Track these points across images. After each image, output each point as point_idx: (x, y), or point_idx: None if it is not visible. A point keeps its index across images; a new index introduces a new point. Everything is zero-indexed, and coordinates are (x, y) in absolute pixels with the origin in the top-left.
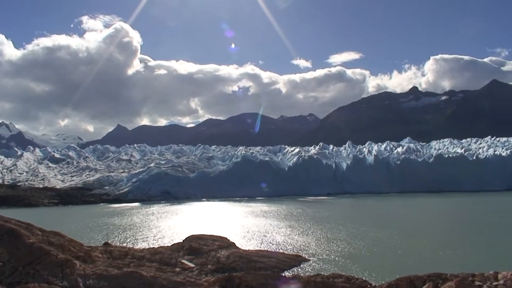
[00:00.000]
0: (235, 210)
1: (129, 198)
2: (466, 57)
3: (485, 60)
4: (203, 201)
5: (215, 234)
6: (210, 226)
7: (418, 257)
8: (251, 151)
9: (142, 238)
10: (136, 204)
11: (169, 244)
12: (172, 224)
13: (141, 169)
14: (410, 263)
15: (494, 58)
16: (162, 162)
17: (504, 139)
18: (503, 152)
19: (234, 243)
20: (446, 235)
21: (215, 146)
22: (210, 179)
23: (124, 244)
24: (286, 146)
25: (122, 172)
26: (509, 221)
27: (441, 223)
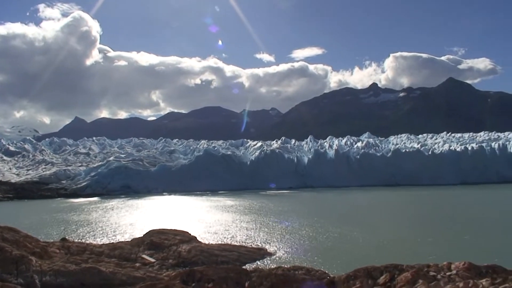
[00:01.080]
0: (197, 204)
1: (87, 192)
2: (424, 55)
3: (443, 58)
4: (165, 195)
5: (176, 229)
6: (171, 221)
7: (376, 249)
8: (213, 145)
9: (101, 234)
10: (95, 198)
11: (129, 239)
12: (132, 219)
13: (100, 163)
14: (368, 255)
15: (451, 57)
16: (122, 155)
17: (459, 135)
18: (458, 147)
19: (195, 237)
20: (403, 228)
21: (177, 139)
22: (172, 173)
23: (83, 240)
24: (249, 140)
25: (80, 166)
26: (463, 213)
27: (398, 216)
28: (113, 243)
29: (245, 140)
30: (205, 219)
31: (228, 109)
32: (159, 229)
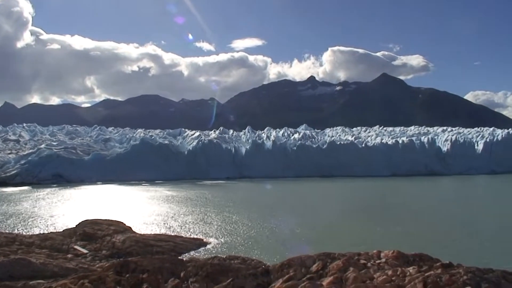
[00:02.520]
0: (133, 194)
1: (17, 181)
2: (361, 50)
3: (378, 54)
4: (99, 184)
5: (110, 219)
6: (105, 211)
7: (310, 238)
8: (150, 134)
9: (31, 224)
10: (25, 188)
11: (61, 230)
12: (64, 209)
13: (30, 151)
14: (301, 244)
15: (386, 53)
16: (54, 143)
17: (391, 128)
18: (389, 140)
19: (130, 228)
20: (337, 218)
21: (113, 127)
22: (107, 162)
23: (12, 231)
24: (186, 130)
25: (9, 153)
26: (394, 204)
27: (333, 206)
28: (44, 233)
29: (183, 129)
30: (140, 209)
31: (166, 98)
32: (92, 219)
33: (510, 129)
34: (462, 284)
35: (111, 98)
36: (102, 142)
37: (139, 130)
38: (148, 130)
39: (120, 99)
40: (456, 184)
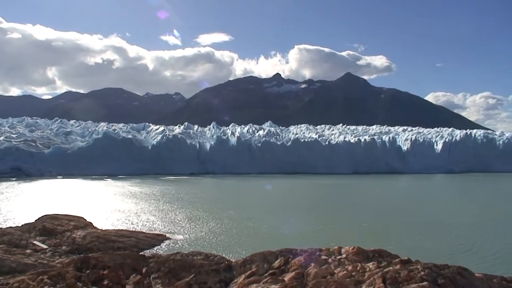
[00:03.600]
0: (94, 188)
1: None
2: (326, 49)
3: (343, 53)
4: (59, 178)
5: (71, 214)
6: (65, 206)
7: (273, 235)
8: (113, 128)
9: None
10: None
11: (20, 225)
12: (23, 204)
13: None
14: (265, 240)
15: (351, 53)
16: (13, 135)
17: (353, 127)
18: (352, 139)
19: (91, 223)
20: (300, 214)
21: (74, 120)
22: (68, 155)
23: None
24: (151, 124)
25: None
26: (354, 201)
27: (296, 202)
28: (1, 228)
29: (147, 124)
30: (102, 204)
31: (131, 91)
32: (52, 214)
33: (468, 130)
34: (420, 280)
35: (73, 90)
36: (63, 135)
37: (102, 123)
38: (111, 124)
39: (82, 92)
40: (415, 182)
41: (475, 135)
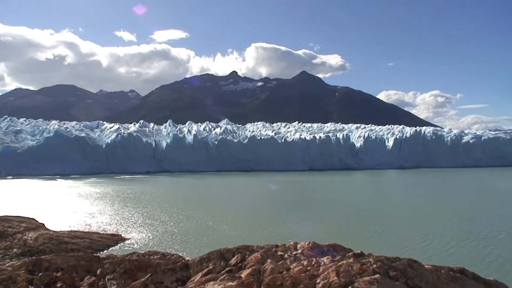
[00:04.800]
0: (46, 189)
1: None
2: (283, 48)
3: (299, 52)
4: (8, 179)
5: (22, 215)
6: (16, 207)
7: (229, 232)
8: (65, 126)
9: None
10: None
11: None
12: None
13: None
14: (221, 238)
15: (307, 51)
16: None
17: (309, 124)
18: (307, 136)
19: (43, 224)
20: (255, 211)
21: (24, 118)
22: (17, 155)
23: None
24: (105, 122)
25: None
26: (309, 197)
27: (253, 200)
28: None
29: (101, 122)
30: (54, 205)
31: (83, 89)
32: (2, 216)
33: (418, 127)
34: (372, 272)
35: (23, 87)
36: (12, 134)
37: (53, 121)
38: (63, 122)
39: (32, 89)
40: (368, 178)
41: (424, 132)
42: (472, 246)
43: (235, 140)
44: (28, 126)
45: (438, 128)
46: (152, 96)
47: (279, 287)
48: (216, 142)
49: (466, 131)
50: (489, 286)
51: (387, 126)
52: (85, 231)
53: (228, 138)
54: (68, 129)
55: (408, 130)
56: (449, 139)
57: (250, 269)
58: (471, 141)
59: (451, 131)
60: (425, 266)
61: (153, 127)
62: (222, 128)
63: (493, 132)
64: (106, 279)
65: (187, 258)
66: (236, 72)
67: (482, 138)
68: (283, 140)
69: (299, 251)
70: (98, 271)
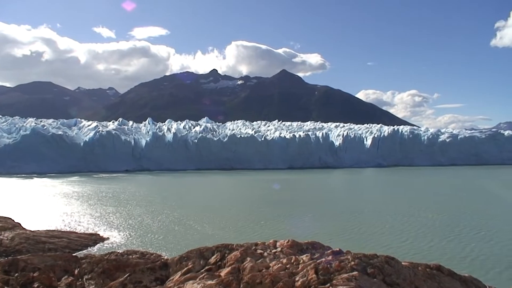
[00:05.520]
0: (23, 188)
1: None
2: (263, 46)
3: (280, 51)
4: None
5: None
6: None
7: (209, 231)
8: (42, 124)
9: None
10: None
11: None
12: None
13: None
14: (201, 237)
15: (287, 50)
16: None
17: (289, 123)
18: (287, 135)
19: (19, 224)
20: (234, 210)
21: (0, 116)
22: None
23: None
24: (82, 120)
25: None
26: (291, 195)
27: (233, 198)
28: None
29: (79, 119)
30: (31, 204)
31: (61, 86)
32: None
33: (395, 126)
34: (350, 269)
35: None
36: None
37: (30, 119)
38: (40, 120)
39: (9, 85)
40: (347, 176)
41: (401, 131)
42: (450, 243)
43: (215, 139)
44: (4, 123)
45: (415, 127)
46: (131, 93)
47: (258, 285)
48: (196, 141)
49: (442, 130)
50: (465, 282)
51: (365, 125)
52: (62, 230)
53: (208, 136)
54: (45, 127)
55: (386, 129)
56: (425, 138)
57: (230, 267)
58: (447, 140)
59: (428, 130)
60: (403, 263)
61: (132, 125)
62: (202, 127)
63: (469, 131)
64: (84, 279)
65: (167, 257)
66: (217, 70)
67: (458, 137)
68: (263, 139)
69: (279, 249)
70: (76, 271)
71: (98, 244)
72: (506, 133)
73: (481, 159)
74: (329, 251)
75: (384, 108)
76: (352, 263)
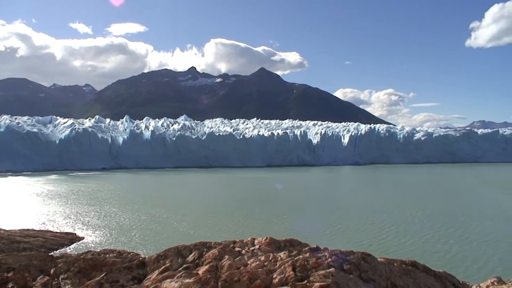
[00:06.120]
0: None
1: None
2: (242, 44)
3: (259, 49)
4: None
5: None
6: None
7: (187, 229)
8: (17, 121)
9: None
10: None
11: None
12: None
13: None
14: (179, 235)
15: (266, 48)
16: None
17: (267, 121)
18: (265, 133)
19: None
20: (213, 208)
21: None
22: None
23: None
24: (58, 117)
25: None
26: (270, 193)
27: (209, 196)
28: None
29: (54, 117)
30: (6, 203)
31: (36, 82)
32: None
33: (372, 124)
34: (327, 266)
35: None
36: None
37: (4, 116)
38: (15, 117)
39: None
40: (325, 174)
41: (378, 130)
42: (426, 239)
43: (193, 137)
44: None
45: (391, 126)
46: (108, 90)
47: (236, 282)
48: (174, 138)
49: (418, 129)
50: (439, 278)
51: (343, 123)
52: (38, 229)
53: (186, 134)
54: (20, 124)
55: (363, 128)
56: (401, 136)
57: (208, 265)
58: (422, 139)
59: (403, 128)
60: (378, 259)
61: (109, 122)
62: (180, 124)
63: (444, 130)
64: (60, 278)
65: (144, 256)
66: (195, 68)
67: (433, 136)
68: (241, 137)
69: (257, 246)
70: (52, 271)
71: (74, 243)
72: (479, 131)
73: (455, 157)
74: (306, 248)
75: (361, 106)
76: (329, 259)
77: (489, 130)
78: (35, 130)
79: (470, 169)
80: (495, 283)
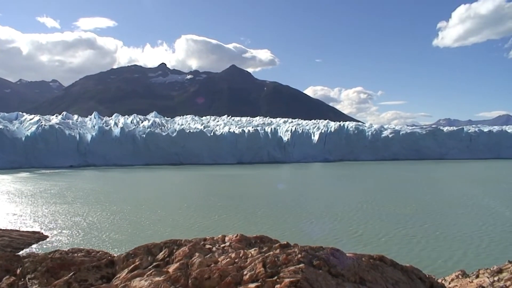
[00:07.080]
0: None
1: None
2: (213, 41)
3: (230, 46)
4: None
5: None
6: None
7: (157, 227)
8: None
9: None
10: None
11: None
12: None
13: None
14: (148, 233)
15: (237, 45)
16: None
17: (238, 118)
18: (236, 130)
19: None
20: (183, 205)
21: None
22: None
23: None
24: (24, 114)
25: None
26: (241, 190)
27: (181, 194)
28: None
29: (20, 113)
30: None
31: (1, 77)
32: None
33: (341, 122)
34: (297, 262)
35: None
36: None
37: None
38: None
39: None
40: (296, 170)
41: (347, 127)
42: (394, 234)
43: (164, 134)
44: None
45: (360, 123)
46: (76, 86)
47: (207, 280)
48: (144, 135)
49: (385, 126)
50: (406, 272)
51: (313, 120)
52: (3, 229)
53: (156, 131)
54: None
55: (333, 125)
56: (370, 133)
57: (178, 263)
58: (390, 136)
59: (372, 126)
60: (347, 255)
61: (77, 119)
62: (150, 121)
63: (410, 128)
64: (26, 278)
65: (113, 255)
66: (165, 64)
67: (400, 133)
68: (212, 134)
69: (227, 243)
70: (18, 271)
71: (41, 243)
72: (445, 129)
73: (421, 154)
74: (277, 245)
75: (331, 104)
76: (299, 255)
77: (454, 128)
78: (0, 126)
79: (435, 165)
80: (460, 276)
